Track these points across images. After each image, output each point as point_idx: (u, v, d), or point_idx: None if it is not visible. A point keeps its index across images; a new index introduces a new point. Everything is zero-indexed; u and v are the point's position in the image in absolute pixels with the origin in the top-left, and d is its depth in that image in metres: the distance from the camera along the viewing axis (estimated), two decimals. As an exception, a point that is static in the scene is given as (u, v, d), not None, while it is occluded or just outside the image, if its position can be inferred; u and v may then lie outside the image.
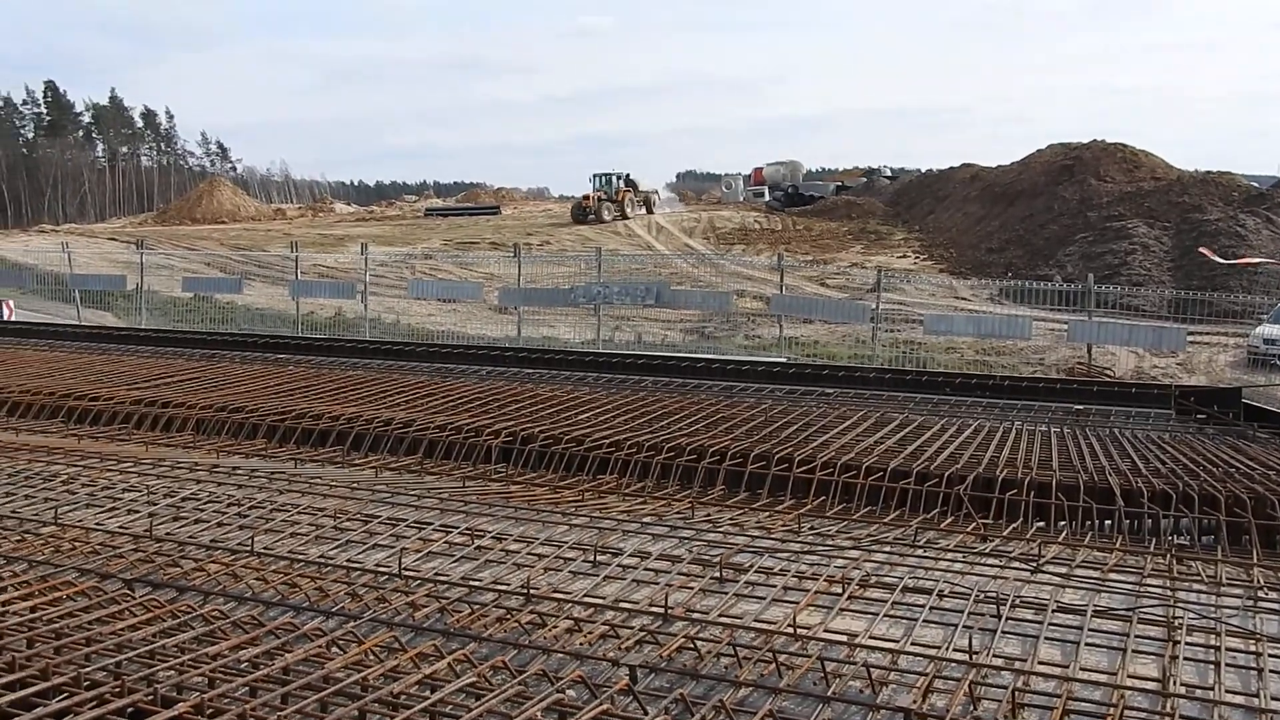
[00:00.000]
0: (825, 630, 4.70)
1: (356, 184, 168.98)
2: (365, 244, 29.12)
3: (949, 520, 6.95)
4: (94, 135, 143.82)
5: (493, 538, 6.20)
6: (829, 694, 4.04)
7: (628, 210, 66.14)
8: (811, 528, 6.58)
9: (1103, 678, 4.20)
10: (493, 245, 52.91)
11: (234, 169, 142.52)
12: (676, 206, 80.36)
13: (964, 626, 4.69)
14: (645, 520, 6.66)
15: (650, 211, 69.11)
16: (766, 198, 78.31)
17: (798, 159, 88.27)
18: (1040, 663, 4.36)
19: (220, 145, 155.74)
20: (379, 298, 27.00)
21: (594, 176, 69.00)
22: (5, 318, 24.56)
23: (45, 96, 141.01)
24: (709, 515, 6.89)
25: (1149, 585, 5.34)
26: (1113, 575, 5.52)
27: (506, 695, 3.91)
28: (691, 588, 5.30)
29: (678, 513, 6.94)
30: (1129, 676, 4.19)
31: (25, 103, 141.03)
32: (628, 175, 69.67)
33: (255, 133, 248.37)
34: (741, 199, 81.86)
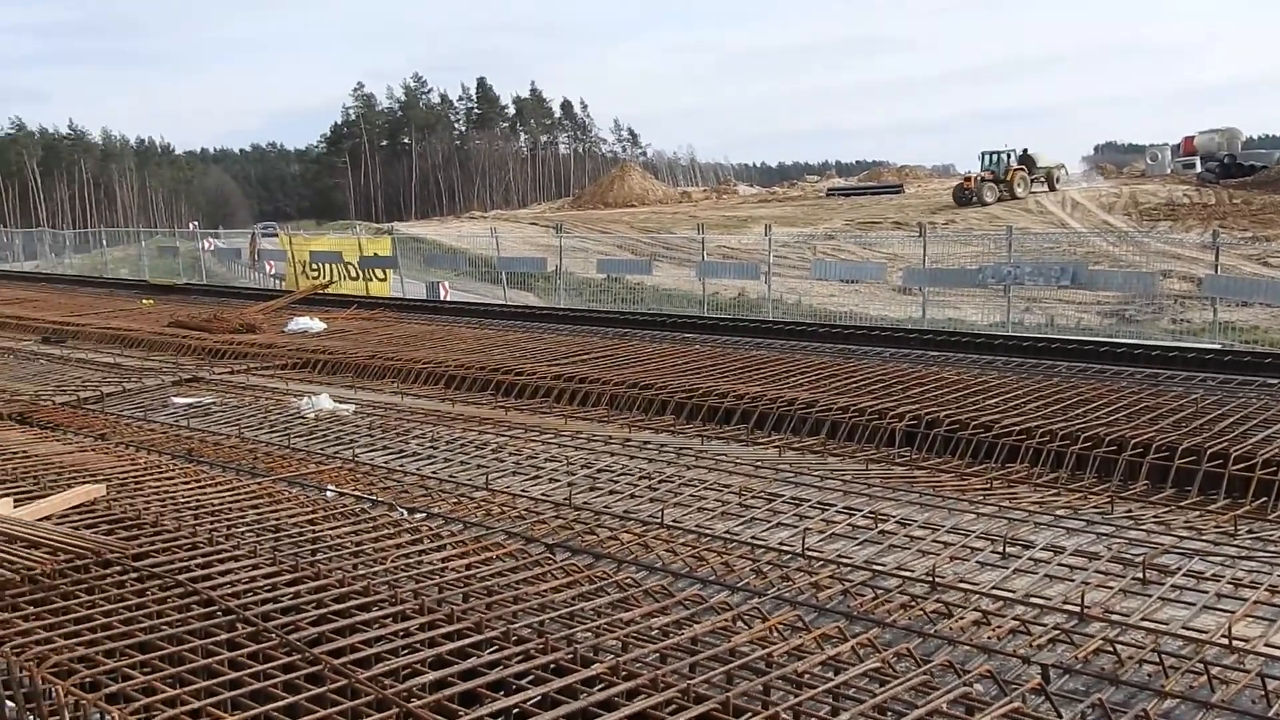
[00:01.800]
0: (1266, 644, 4.29)
1: (759, 165, 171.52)
2: (768, 225, 29.49)
3: None
4: (518, 126, 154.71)
5: (896, 522, 6.12)
6: (1270, 715, 3.69)
7: (1017, 190, 61.81)
8: (1250, 531, 6.03)
9: None
10: (896, 225, 52.10)
11: (643, 154, 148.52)
12: (1093, 181, 75.63)
13: None
14: (1059, 513, 6.36)
15: (1052, 189, 64.90)
16: (1198, 169, 71.98)
17: (1235, 126, 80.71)
18: None
19: (631, 132, 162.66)
20: (781, 278, 27.22)
21: (983, 154, 65.12)
22: (442, 298, 26.79)
23: (476, 92, 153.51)
24: (1130, 511, 6.49)
25: None
26: None
27: (911, 684, 3.85)
28: (1110, 587, 5.00)
29: (1094, 507, 6.58)
30: None
31: (461, 98, 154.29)
32: (1023, 151, 65.52)
33: (662, 119, 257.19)
34: (1169, 171, 75.68)
